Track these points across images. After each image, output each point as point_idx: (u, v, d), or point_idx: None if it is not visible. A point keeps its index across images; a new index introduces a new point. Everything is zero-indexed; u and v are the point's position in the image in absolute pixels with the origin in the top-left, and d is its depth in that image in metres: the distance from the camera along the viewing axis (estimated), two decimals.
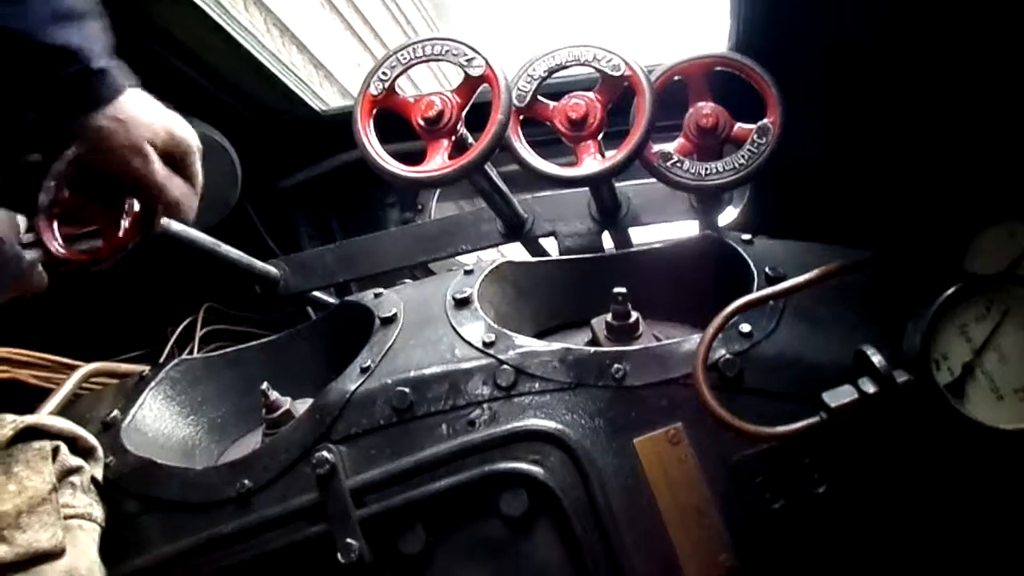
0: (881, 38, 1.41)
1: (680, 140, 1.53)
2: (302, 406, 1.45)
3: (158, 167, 1.28)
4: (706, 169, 1.47)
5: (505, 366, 1.30)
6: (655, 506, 1.19)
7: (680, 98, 1.54)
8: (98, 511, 1.27)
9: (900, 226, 1.45)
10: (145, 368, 1.66)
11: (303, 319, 2.19)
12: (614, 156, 1.44)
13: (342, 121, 2.18)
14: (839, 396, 1.12)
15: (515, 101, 1.49)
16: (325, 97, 2.34)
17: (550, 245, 1.93)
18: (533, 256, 1.93)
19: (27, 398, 1.55)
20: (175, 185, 1.32)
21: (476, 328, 1.39)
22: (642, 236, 1.89)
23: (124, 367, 1.74)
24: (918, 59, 1.37)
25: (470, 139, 1.51)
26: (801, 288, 1.26)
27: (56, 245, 1.43)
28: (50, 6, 1.13)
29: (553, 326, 1.64)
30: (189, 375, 1.62)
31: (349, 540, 1.21)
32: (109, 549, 1.26)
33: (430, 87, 1.56)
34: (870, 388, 1.12)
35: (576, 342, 1.44)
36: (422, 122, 1.47)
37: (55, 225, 1.45)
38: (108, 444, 1.39)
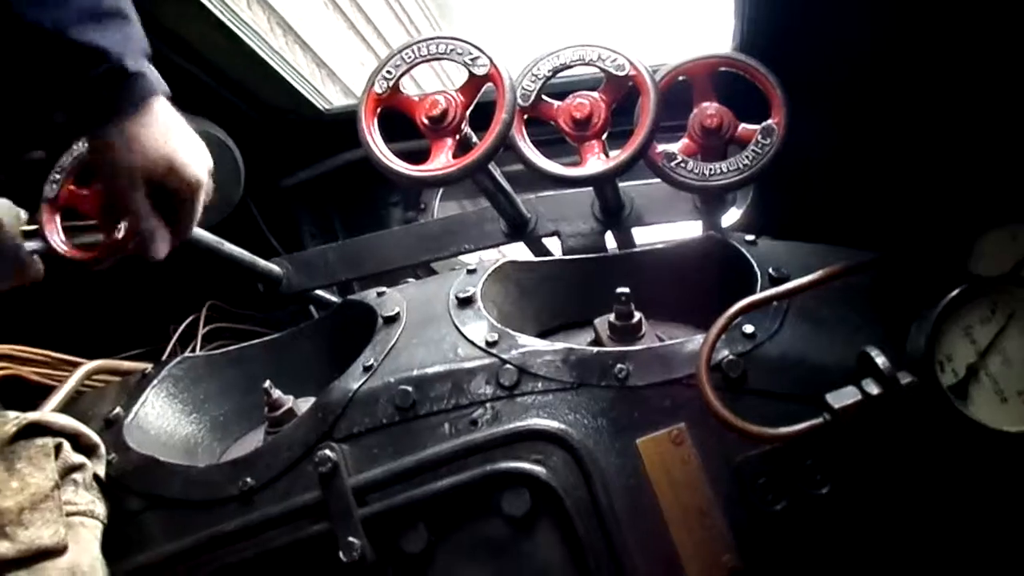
0: (884, 39, 1.41)
1: (684, 140, 1.53)
2: (304, 405, 1.45)
3: (139, 198, 1.28)
4: (710, 169, 1.47)
5: (508, 365, 1.30)
6: (658, 507, 1.19)
7: (684, 98, 1.54)
8: (100, 508, 1.27)
9: (904, 228, 1.45)
10: (148, 366, 1.66)
11: (305, 318, 2.19)
12: (618, 156, 1.44)
13: (345, 120, 2.20)
14: (842, 397, 1.12)
15: (519, 100, 1.48)
16: (328, 96, 2.34)
17: (553, 245, 1.93)
18: (536, 256, 1.93)
19: (30, 395, 1.55)
20: (148, 224, 1.31)
21: (479, 327, 1.39)
22: (645, 236, 1.89)
23: (127, 364, 1.75)
24: (921, 60, 1.37)
25: (474, 138, 1.51)
26: (805, 289, 1.26)
27: (58, 240, 1.44)
28: (82, 5, 1.13)
29: (556, 326, 1.64)
30: (192, 373, 1.62)
31: (351, 539, 1.21)
32: (111, 546, 1.26)
33: (433, 87, 1.56)
34: (874, 389, 1.11)
35: (579, 342, 1.43)
36: (426, 121, 1.47)
37: (57, 219, 1.46)
38: (110, 441, 1.39)
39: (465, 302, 1.45)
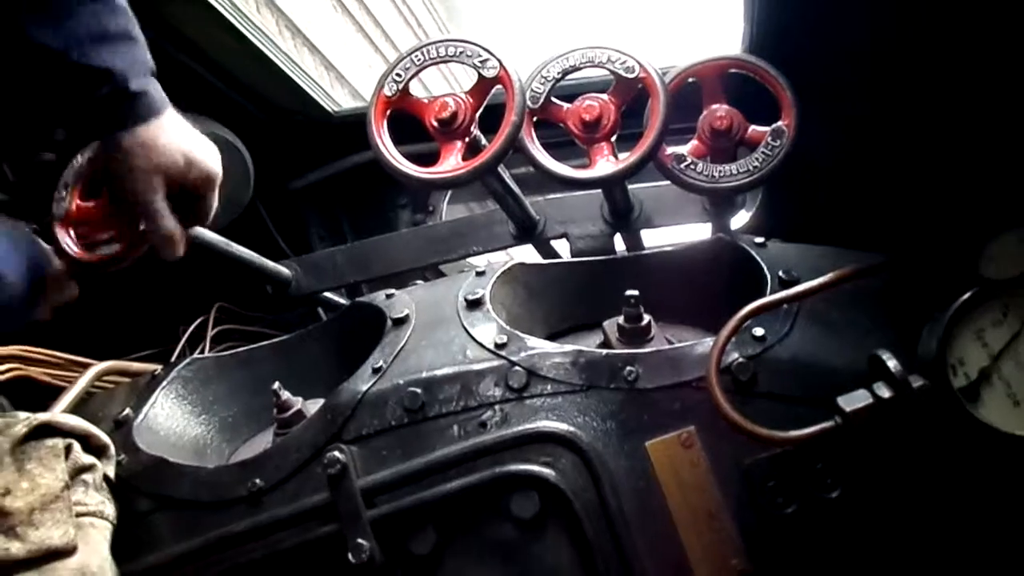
0: (894, 40, 1.40)
1: (694, 142, 1.52)
2: (313, 406, 1.45)
3: (159, 200, 1.32)
4: (720, 171, 1.47)
5: (517, 368, 1.30)
6: (667, 509, 1.19)
7: (694, 100, 1.53)
8: (110, 509, 1.28)
9: (915, 230, 1.44)
10: (157, 367, 1.66)
11: (314, 320, 2.19)
12: (627, 158, 1.44)
13: (354, 122, 2.20)
14: (854, 400, 1.12)
15: (529, 103, 1.48)
16: (337, 98, 2.35)
17: (562, 247, 1.93)
18: (545, 258, 1.93)
19: (40, 396, 1.56)
20: (167, 222, 1.35)
21: (488, 329, 1.38)
22: (655, 239, 1.88)
23: (136, 366, 1.75)
24: (930, 62, 1.36)
25: (483, 140, 1.51)
26: (815, 292, 1.26)
27: (72, 246, 1.44)
28: (93, 27, 1.16)
29: (565, 328, 1.64)
30: (201, 374, 1.63)
31: (360, 540, 1.21)
32: (121, 547, 1.26)
33: (441, 90, 1.56)
34: (885, 393, 1.11)
35: (588, 344, 1.43)
36: (436, 123, 1.47)
37: (71, 231, 1.46)
38: (120, 442, 1.40)
39: (474, 304, 1.45)
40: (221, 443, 1.59)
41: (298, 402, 1.47)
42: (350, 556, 1.21)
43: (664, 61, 1.56)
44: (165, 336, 2.03)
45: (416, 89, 1.54)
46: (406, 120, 1.50)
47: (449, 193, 2.46)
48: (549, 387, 1.28)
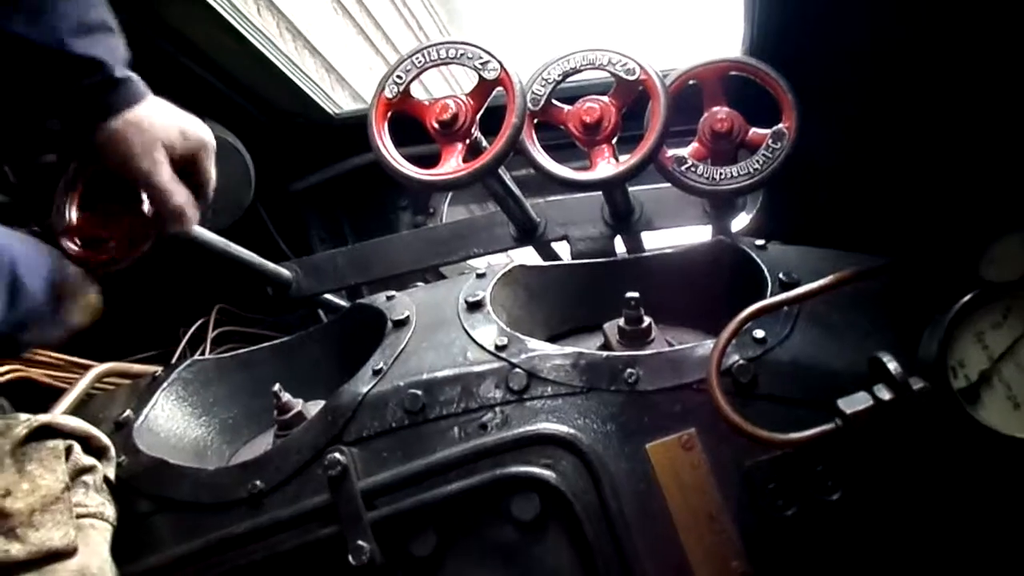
0: (894, 42, 1.41)
1: (694, 144, 1.52)
2: (314, 408, 1.45)
3: (166, 173, 1.33)
4: (720, 174, 1.47)
5: (517, 370, 1.30)
6: (667, 511, 1.18)
7: (695, 102, 1.54)
8: (110, 510, 1.28)
9: (915, 232, 1.44)
10: (157, 369, 1.66)
11: (314, 322, 2.19)
12: (628, 160, 1.44)
13: (354, 124, 2.20)
14: (854, 403, 1.12)
15: (529, 105, 1.49)
16: (337, 100, 2.35)
17: (563, 249, 1.93)
18: (545, 260, 1.93)
19: (41, 397, 1.56)
20: (179, 193, 1.35)
21: (488, 331, 1.39)
22: (655, 241, 1.88)
23: (137, 367, 1.75)
24: (931, 64, 1.36)
25: (484, 142, 1.51)
26: (815, 294, 1.26)
27: (75, 249, 1.44)
28: (74, 19, 1.19)
29: (565, 330, 1.64)
30: (201, 376, 1.63)
31: (360, 542, 1.21)
32: (121, 548, 1.26)
33: (442, 92, 1.56)
34: (886, 395, 1.11)
35: (588, 347, 1.43)
36: (436, 125, 1.47)
37: (76, 239, 1.46)
38: (120, 444, 1.40)
39: (474, 306, 1.45)
40: (221, 445, 1.59)
41: (298, 404, 1.48)
42: (350, 558, 1.21)
43: (665, 63, 1.56)
44: (165, 338, 2.03)
45: (417, 91, 1.54)
46: (407, 122, 1.50)
47: (450, 195, 2.47)
48: (549, 389, 1.28)
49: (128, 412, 1.49)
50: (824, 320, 1.30)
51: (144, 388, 1.58)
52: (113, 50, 1.25)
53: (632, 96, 1.49)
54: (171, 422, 1.54)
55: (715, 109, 1.51)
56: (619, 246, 1.87)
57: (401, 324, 1.47)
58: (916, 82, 1.42)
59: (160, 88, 1.46)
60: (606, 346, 1.44)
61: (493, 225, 1.93)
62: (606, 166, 1.47)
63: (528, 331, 1.43)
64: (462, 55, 1.49)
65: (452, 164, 1.45)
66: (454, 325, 1.43)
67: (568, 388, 1.27)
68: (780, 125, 1.45)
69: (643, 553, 1.17)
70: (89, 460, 1.28)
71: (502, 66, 1.45)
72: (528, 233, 1.88)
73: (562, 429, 1.23)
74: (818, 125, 1.46)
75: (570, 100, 1.52)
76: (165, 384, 1.57)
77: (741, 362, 1.23)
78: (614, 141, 1.49)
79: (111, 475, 1.32)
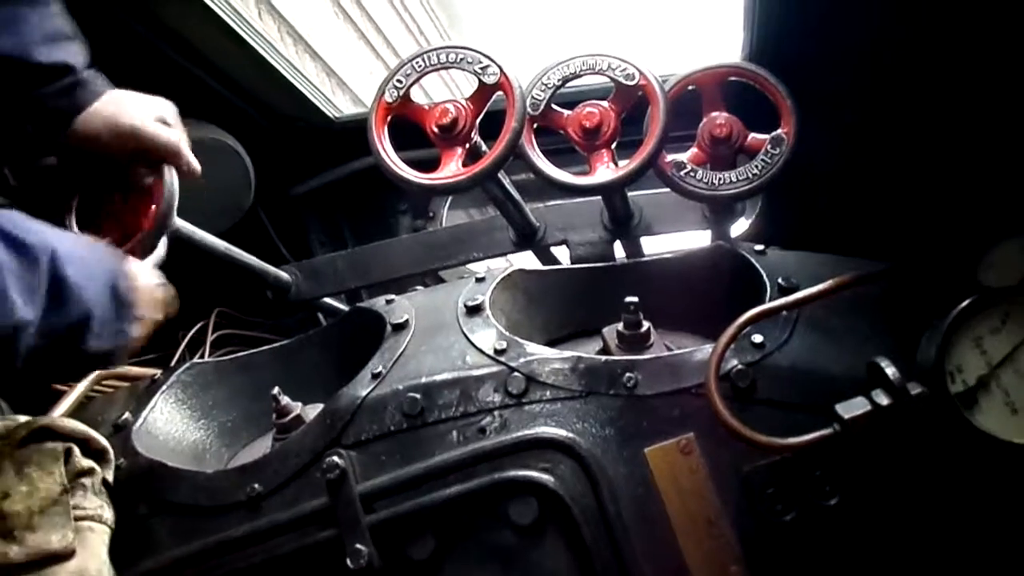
0: (894, 48, 1.41)
1: (693, 150, 1.53)
2: (312, 411, 1.45)
3: (148, 121, 1.40)
4: (719, 179, 1.48)
5: (516, 373, 1.30)
6: (666, 516, 1.18)
7: (694, 108, 1.54)
8: (108, 513, 1.27)
9: (914, 238, 1.45)
10: (157, 372, 1.66)
11: (314, 325, 2.20)
12: (627, 165, 1.45)
13: (355, 128, 2.21)
14: (852, 408, 1.12)
15: (529, 109, 1.49)
16: (338, 105, 2.35)
17: (562, 254, 1.93)
18: (544, 264, 1.93)
19: (40, 400, 1.56)
20: (167, 131, 1.42)
21: (487, 335, 1.39)
22: (654, 246, 1.89)
23: (136, 370, 1.75)
24: (930, 70, 1.37)
25: (484, 147, 1.52)
26: (814, 299, 1.26)
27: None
28: (41, 30, 1.25)
29: (564, 335, 1.64)
30: (200, 379, 1.63)
31: (358, 545, 1.21)
32: (119, 551, 1.26)
33: (442, 97, 1.56)
34: (884, 400, 1.11)
35: (587, 351, 1.43)
36: (436, 129, 1.47)
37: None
38: (119, 446, 1.40)
39: (474, 310, 1.45)
40: (220, 448, 1.59)
41: (297, 407, 1.48)
42: (348, 561, 1.20)
43: (664, 69, 1.57)
44: (165, 341, 2.02)
45: (417, 95, 1.54)
46: (407, 126, 1.51)
47: (449, 199, 2.47)
48: (548, 393, 1.28)
49: (127, 415, 1.49)
50: (823, 325, 1.30)
51: (143, 391, 1.58)
52: (76, 55, 1.32)
53: (631, 101, 1.50)
54: (170, 425, 1.54)
55: (714, 114, 1.52)
56: (618, 251, 1.87)
57: (400, 328, 1.47)
58: (914, 88, 1.42)
59: (160, 92, 1.47)
60: (605, 350, 1.44)
61: (492, 229, 1.94)
62: (605, 171, 1.48)
63: (527, 335, 1.43)
64: (462, 59, 1.50)
65: (452, 168, 1.46)
66: (453, 329, 1.43)
67: (567, 392, 1.27)
68: (779, 131, 1.46)
69: (641, 557, 1.17)
70: (88, 463, 1.28)
71: (502, 71, 1.46)
72: (527, 237, 1.89)
73: (561, 433, 1.23)
74: (817, 130, 1.46)
75: (570, 105, 1.53)
76: (164, 387, 1.56)
77: (740, 367, 1.23)
78: (613, 146, 1.50)
79: (110, 478, 1.32)
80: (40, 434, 1.24)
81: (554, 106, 1.54)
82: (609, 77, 1.50)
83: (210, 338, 2.04)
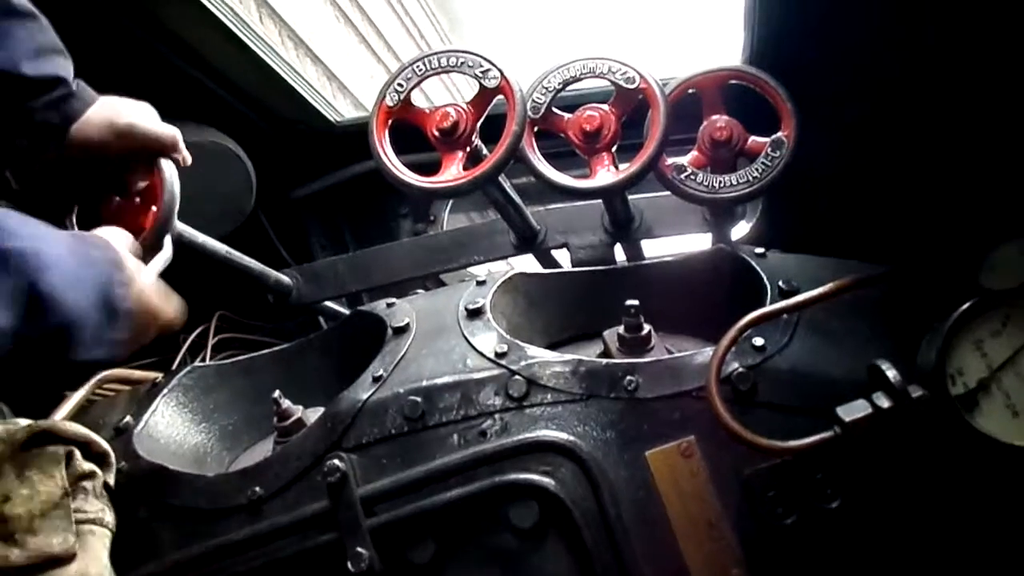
0: (895, 52, 1.41)
1: (694, 153, 1.53)
2: (313, 415, 1.45)
3: (145, 116, 1.43)
4: (720, 182, 1.48)
5: (517, 377, 1.30)
6: (666, 519, 1.18)
7: (694, 111, 1.54)
8: (109, 516, 1.27)
9: (914, 241, 1.45)
10: (158, 375, 1.66)
11: (314, 329, 2.19)
12: (628, 168, 1.45)
13: (356, 132, 2.21)
14: (853, 411, 1.11)
15: (530, 113, 1.49)
16: (339, 108, 2.36)
17: (563, 257, 1.93)
18: (545, 268, 1.93)
19: (41, 403, 1.56)
20: (164, 125, 1.44)
21: (488, 339, 1.39)
22: (655, 249, 1.89)
23: (137, 374, 1.75)
24: (931, 72, 1.37)
25: (484, 150, 1.52)
26: (814, 302, 1.26)
27: None
28: (30, 44, 1.27)
29: (565, 338, 1.64)
30: (201, 382, 1.63)
31: (359, 549, 1.21)
32: (120, 555, 1.26)
33: (442, 100, 1.57)
34: (884, 403, 1.11)
35: (588, 354, 1.43)
36: (437, 133, 1.48)
37: None
38: (120, 450, 1.39)
39: (474, 313, 1.45)
40: (221, 451, 1.59)
41: (298, 410, 1.48)
42: (349, 565, 1.20)
43: (664, 72, 1.57)
44: (166, 344, 2.03)
45: (418, 99, 1.55)
46: (408, 130, 1.51)
47: (450, 203, 2.47)
48: (549, 396, 1.28)
49: (128, 418, 1.49)
50: (823, 328, 1.30)
51: (144, 394, 1.58)
52: (66, 67, 1.33)
53: (632, 104, 1.50)
54: (171, 428, 1.54)
55: (714, 117, 1.52)
56: (619, 254, 1.87)
57: (401, 331, 1.47)
58: (915, 90, 1.42)
59: (161, 96, 1.47)
60: (606, 353, 1.44)
61: (493, 233, 1.94)
62: (606, 174, 1.48)
63: (528, 338, 1.43)
64: (463, 63, 1.50)
65: (453, 172, 1.46)
66: (454, 332, 1.43)
67: (567, 395, 1.27)
68: (779, 133, 1.46)
69: (642, 561, 1.16)
70: (89, 466, 1.28)
71: (502, 74, 1.46)
72: (528, 241, 1.89)
73: (561, 436, 1.23)
74: (817, 133, 1.46)
75: (570, 108, 1.53)
76: (165, 390, 1.56)
77: (740, 370, 1.23)
78: (614, 149, 1.50)
79: (111, 481, 1.32)
80: (41, 437, 1.24)
81: (555, 109, 1.54)
82: (609, 80, 1.50)
83: (211, 341, 2.04)
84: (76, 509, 1.21)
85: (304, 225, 2.46)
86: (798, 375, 1.24)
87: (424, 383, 1.33)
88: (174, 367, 1.88)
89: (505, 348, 1.35)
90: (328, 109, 2.29)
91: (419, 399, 1.30)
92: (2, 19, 1.23)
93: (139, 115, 1.42)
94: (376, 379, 1.37)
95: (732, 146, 1.49)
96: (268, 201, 2.27)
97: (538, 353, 1.34)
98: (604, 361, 1.32)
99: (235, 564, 1.26)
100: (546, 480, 1.21)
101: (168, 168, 1.46)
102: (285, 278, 1.96)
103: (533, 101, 1.52)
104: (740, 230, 1.95)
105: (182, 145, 1.49)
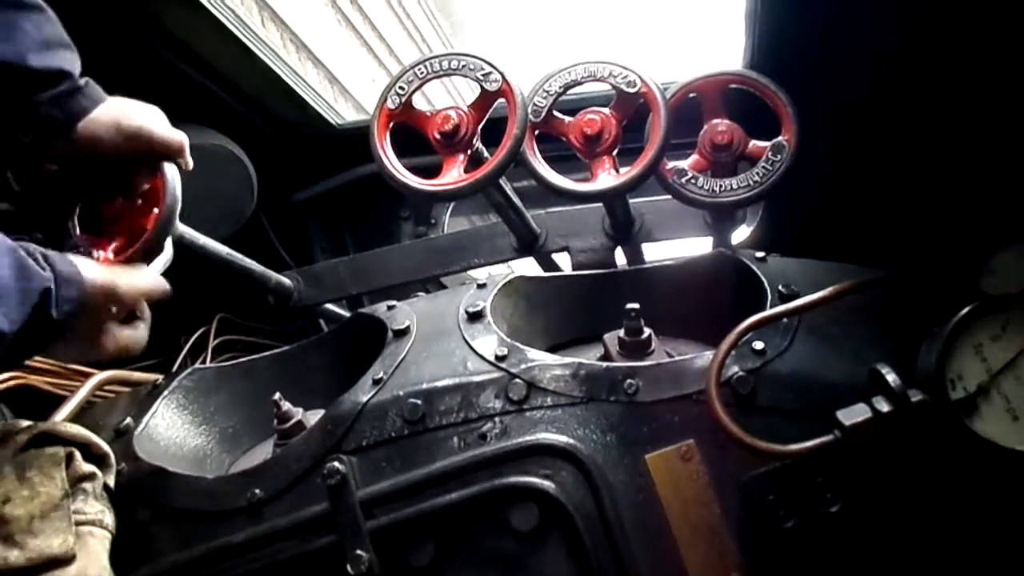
0: (896, 57, 1.41)
1: (695, 157, 1.53)
2: (314, 417, 1.45)
3: (155, 119, 1.40)
4: (720, 186, 1.48)
5: (517, 380, 1.30)
6: (666, 523, 1.18)
7: (695, 115, 1.54)
8: (109, 518, 1.28)
9: (914, 245, 1.45)
10: (158, 377, 1.66)
11: (315, 331, 2.20)
12: (629, 172, 1.45)
13: (356, 135, 2.21)
14: (853, 415, 1.11)
15: (531, 116, 1.49)
16: (340, 112, 2.36)
17: (563, 260, 1.93)
18: (546, 271, 1.93)
19: (41, 404, 1.56)
20: (176, 132, 1.42)
21: (489, 342, 1.39)
22: (655, 252, 1.89)
23: (137, 375, 1.75)
24: (932, 78, 1.37)
25: (486, 153, 1.52)
26: (815, 306, 1.26)
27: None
28: (36, 36, 1.25)
29: (565, 341, 1.64)
30: (202, 385, 1.63)
31: (359, 552, 1.21)
32: (119, 556, 1.26)
33: (444, 104, 1.57)
34: (884, 407, 1.11)
35: (588, 357, 1.43)
36: (438, 136, 1.48)
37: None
38: (120, 451, 1.40)
39: (475, 316, 1.45)
40: (221, 453, 1.59)
41: (298, 413, 1.47)
42: (349, 568, 1.20)
43: (665, 76, 1.57)
44: (167, 346, 2.03)
45: (419, 102, 1.55)
46: (409, 133, 1.51)
47: (451, 205, 2.47)
48: (549, 399, 1.28)
49: (128, 420, 1.49)
50: (823, 332, 1.30)
51: (145, 396, 1.58)
52: (72, 62, 1.31)
53: (633, 108, 1.50)
54: (171, 430, 1.54)
55: (715, 121, 1.52)
56: (619, 257, 1.87)
57: (401, 334, 1.47)
58: (916, 95, 1.42)
59: (163, 98, 1.47)
60: (606, 357, 1.44)
61: (494, 236, 1.94)
62: (607, 178, 1.48)
63: (528, 341, 1.43)
64: (464, 67, 1.50)
65: (453, 175, 1.46)
66: (454, 335, 1.43)
67: (568, 398, 1.27)
68: (780, 138, 1.46)
69: (642, 564, 1.16)
70: (89, 467, 1.28)
71: (504, 78, 1.46)
72: (529, 244, 1.89)
73: (561, 439, 1.23)
74: (818, 138, 1.46)
75: (571, 112, 1.53)
76: (166, 392, 1.56)
77: (740, 373, 1.23)
78: (615, 153, 1.50)
79: (111, 482, 1.32)
80: (41, 439, 1.24)
81: (556, 113, 1.54)
82: (611, 84, 1.50)
83: (212, 344, 2.04)
84: (76, 510, 1.21)
85: (305, 228, 2.46)
86: (798, 379, 1.24)
87: (424, 386, 1.33)
88: (175, 369, 1.88)
89: (505, 351, 1.35)
90: (329, 112, 2.30)
91: (419, 402, 1.30)
92: (9, 11, 1.22)
93: (149, 118, 1.41)
94: (376, 382, 1.37)
95: (733, 150, 1.49)
96: (269, 203, 2.27)
97: (538, 356, 1.34)
98: (604, 364, 1.32)
99: (235, 566, 1.26)
100: (546, 483, 1.21)
101: (171, 170, 1.46)
102: (286, 280, 1.96)
103: (534, 104, 1.52)
104: (740, 234, 1.95)
105: (188, 151, 1.48)
